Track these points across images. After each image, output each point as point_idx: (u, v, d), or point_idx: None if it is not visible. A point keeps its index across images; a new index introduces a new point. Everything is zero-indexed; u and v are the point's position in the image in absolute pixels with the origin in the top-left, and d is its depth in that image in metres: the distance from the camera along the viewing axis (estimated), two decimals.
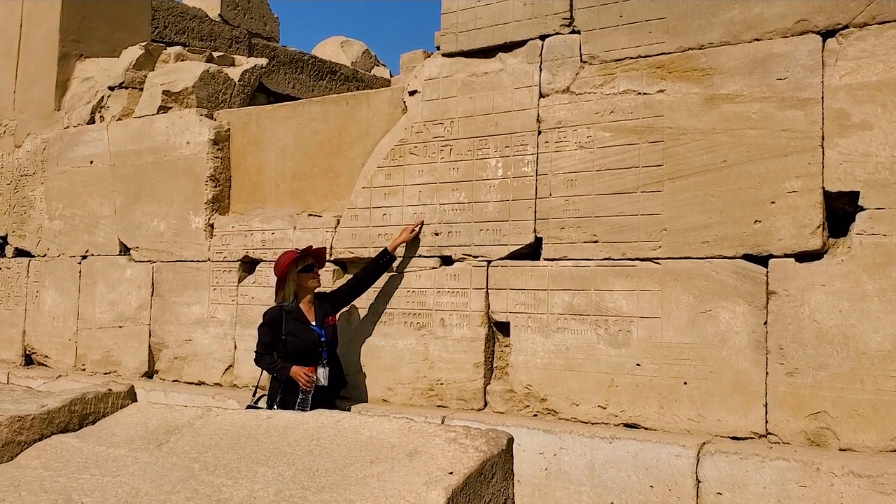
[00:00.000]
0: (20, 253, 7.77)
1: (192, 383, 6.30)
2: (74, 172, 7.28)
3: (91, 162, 7.14)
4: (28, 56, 7.93)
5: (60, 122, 7.59)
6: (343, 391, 5.32)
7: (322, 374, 4.87)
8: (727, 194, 4.16)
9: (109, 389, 2.66)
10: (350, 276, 5.37)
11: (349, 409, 5.05)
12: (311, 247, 5.16)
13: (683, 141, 4.29)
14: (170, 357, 6.46)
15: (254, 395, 5.16)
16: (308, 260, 5.01)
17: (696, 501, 3.93)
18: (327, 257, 5.50)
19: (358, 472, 1.99)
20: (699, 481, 3.93)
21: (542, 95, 4.76)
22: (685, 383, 4.22)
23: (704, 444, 3.99)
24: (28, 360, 7.57)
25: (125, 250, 6.87)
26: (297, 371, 4.79)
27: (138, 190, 6.76)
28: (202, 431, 2.32)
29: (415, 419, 2.34)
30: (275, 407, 4.79)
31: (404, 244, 5.16)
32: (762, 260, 4.08)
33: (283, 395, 4.83)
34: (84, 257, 7.13)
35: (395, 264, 5.20)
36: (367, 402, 5.24)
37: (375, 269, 5.13)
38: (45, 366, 7.41)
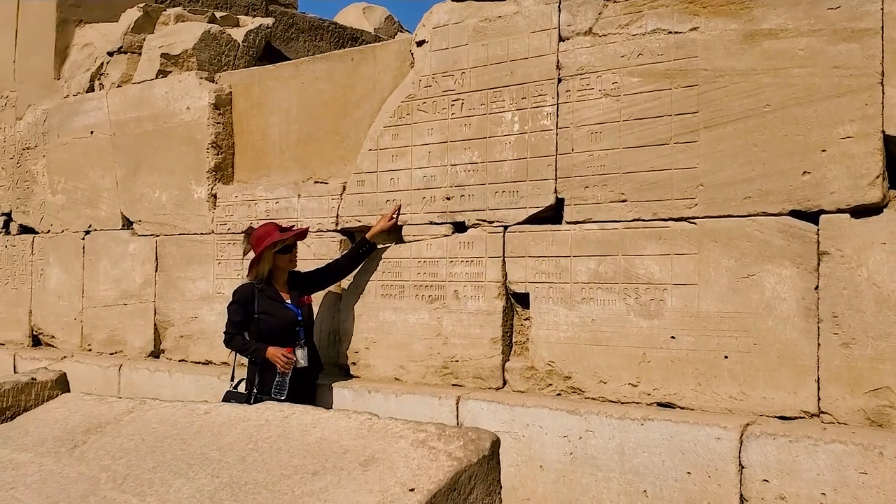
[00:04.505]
0: (24, 230, 7.46)
1: (198, 363, 5.96)
2: (75, 144, 6.94)
3: (91, 132, 6.79)
4: (26, 23, 7.57)
5: (60, 92, 7.24)
6: (353, 369, 4.96)
7: (301, 354, 4.53)
8: (771, 143, 3.67)
9: (33, 378, 2.26)
10: (331, 260, 5.00)
11: (357, 389, 4.70)
12: (293, 226, 4.85)
13: (720, 84, 3.79)
14: (175, 335, 6.13)
15: (231, 380, 4.80)
16: (288, 241, 4.67)
17: (740, 489, 3.49)
18: (335, 227, 5.16)
19: (294, 488, 1.56)
20: (742, 467, 3.48)
21: (561, 39, 4.28)
22: (726, 357, 3.76)
23: (748, 425, 3.54)
24: (36, 341, 7.30)
25: (128, 224, 6.53)
26: (275, 352, 4.44)
27: (139, 160, 6.40)
28: (125, 431, 1.90)
29: (395, 419, 1.90)
30: (255, 391, 4.45)
31: (387, 232, 4.85)
32: (812, 216, 3.59)
33: (261, 377, 4.47)
34: (87, 233, 6.81)
35: (405, 232, 4.80)
36: (377, 380, 4.85)
37: (356, 258, 4.88)
38: (53, 346, 7.13)
